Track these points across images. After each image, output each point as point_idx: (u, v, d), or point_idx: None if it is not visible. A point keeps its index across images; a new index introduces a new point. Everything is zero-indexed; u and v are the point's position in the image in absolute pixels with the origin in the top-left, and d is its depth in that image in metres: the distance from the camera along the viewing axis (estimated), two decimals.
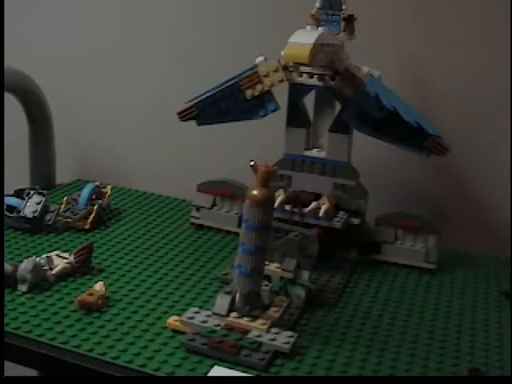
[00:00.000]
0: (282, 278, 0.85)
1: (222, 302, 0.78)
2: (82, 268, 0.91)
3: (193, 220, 1.11)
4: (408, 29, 1.10)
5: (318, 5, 0.95)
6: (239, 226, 0.86)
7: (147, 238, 1.06)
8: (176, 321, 0.78)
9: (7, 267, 0.85)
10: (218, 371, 0.71)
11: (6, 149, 1.36)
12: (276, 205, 0.89)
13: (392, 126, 0.88)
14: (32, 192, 1.04)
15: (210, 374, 0.70)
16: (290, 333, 0.76)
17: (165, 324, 0.79)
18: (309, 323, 0.83)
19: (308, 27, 0.91)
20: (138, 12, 1.28)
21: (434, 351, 0.79)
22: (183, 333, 0.77)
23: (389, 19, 1.11)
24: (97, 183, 1.12)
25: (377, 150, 1.04)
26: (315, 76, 0.94)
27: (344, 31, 0.95)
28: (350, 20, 0.94)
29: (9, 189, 1.06)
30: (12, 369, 0.84)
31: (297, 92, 0.96)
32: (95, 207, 1.07)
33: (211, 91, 0.96)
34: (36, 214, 1.02)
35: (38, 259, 0.87)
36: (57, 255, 0.91)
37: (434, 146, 0.87)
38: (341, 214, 0.95)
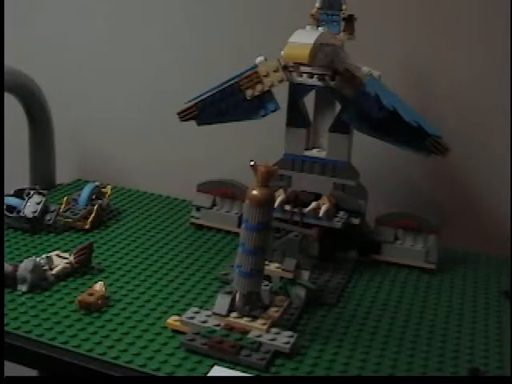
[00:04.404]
0: (282, 277, 0.85)
1: (222, 302, 0.78)
2: (82, 268, 0.91)
3: (193, 220, 1.11)
4: (408, 29, 1.10)
5: (317, 5, 0.95)
6: (239, 226, 0.86)
7: (147, 238, 1.06)
8: (176, 321, 0.78)
9: (7, 267, 0.85)
10: (218, 371, 0.71)
11: (6, 149, 1.36)
12: (276, 205, 0.89)
13: (392, 125, 0.88)
14: (32, 192, 1.04)
15: (209, 374, 0.70)
16: (290, 333, 0.76)
17: (165, 324, 0.79)
18: (309, 323, 0.83)
19: (308, 27, 0.91)
20: (138, 12, 1.28)
21: (434, 351, 0.79)
22: (183, 333, 0.77)
23: (389, 19, 1.11)
24: (97, 183, 1.12)
25: (377, 149, 1.04)
26: (315, 76, 0.94)
27: (344, 31, 0.95)
28: (350, 20, 0.94)
29: (9, 189, 1.06)
30: (12, 369, 0.84)
31: (297, 92, 0.96)
32: (95, 207, 1.07)
33: (211, 91, 0.96)
34: (36, 214, 1.02)
35: (38, 259, 0.87)
36: (57, 255, 0.91)
37: (434, 146, 0.87)
38: (341, 213, 0.95)
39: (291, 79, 0.95)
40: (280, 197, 0.94)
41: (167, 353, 0.74)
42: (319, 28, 0.92)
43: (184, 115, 0.99)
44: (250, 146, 1.19)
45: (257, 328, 0.76)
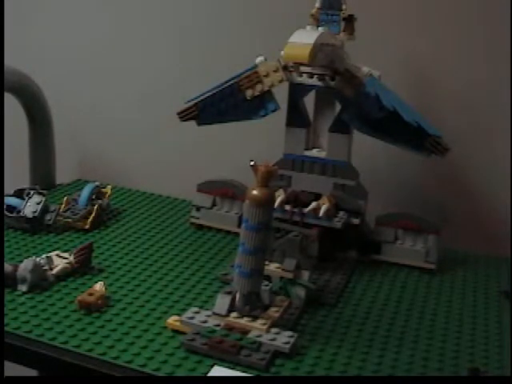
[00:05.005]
0: (282, 277, 0.85)
1: (222, 302, 0.78)
2: (82, 268, 0.91)
3: (193, 220, 1.11)
4: (408, 29, 1.10)
5: (317, 5, 0.95)
6: (239, 226, 0.86)
7: (147, 238, 1.06)
8: (176, 321, 0.78)
9: (7, 267, 0.85)
10: (218, 371, 0.71)
11: (6, 149, 1.36)
12: (276, 205, 0.89)
13: (392, 126, 0.88)
14: (32, 192, 1.04)
15: (209, 374, 0.70)
16: (290, 333, 0.76)
17: (165, 324, 0.79)
18: (309, 323, 0.83)
19: (308, 27, 0.91)
20: (138, 13, 1.28)
21: (434, 351, 0.79)
22: (183, 333, 0.77)
23: (389, 19, 1.11)
24: (97, 183, 1.12)
25: (377, 149, 1.04)
26: (315, 76, 0.94)
27: (344, 31, 0.95)
28: (350, 20, 0.94)
29: (9, 189, 1.06)
30: (12, 369, 0.84)
31: (297, 92, 0.96)
32: (95, 207, 1.07)
33: (211, 91, 0.96)
34: (36, 214, 1.02)
35: (38, 259, 0.87)
36: (57, 255, 0.91)
37: (434, 146, 0.87)
38: (341, 213, 0.95)
39: (291, 79, 0.95)
40: (280, 197, 0.94)
41: (167, 353, 0.74)
42: (319, 28, 0.92)
43: (184, 115, 0.99)
44: (250, 146, 1.19)
45: (257, 328, 0.76)
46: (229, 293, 0.78)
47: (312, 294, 0.86)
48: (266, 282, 0.80)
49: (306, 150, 0.98)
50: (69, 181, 1.31)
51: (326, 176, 0.97)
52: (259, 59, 0.94)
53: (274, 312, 0.79)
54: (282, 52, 0.84)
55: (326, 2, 0.94)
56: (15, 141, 1.30)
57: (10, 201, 1.03)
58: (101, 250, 1.00)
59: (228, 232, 1.09)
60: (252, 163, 0.75)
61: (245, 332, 0.75)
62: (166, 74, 1.28)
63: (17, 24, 1.37)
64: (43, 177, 1.26)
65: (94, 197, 1.10)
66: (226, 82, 0.95)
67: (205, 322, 0.77)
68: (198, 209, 1.10)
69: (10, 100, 1.20)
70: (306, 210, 0.93)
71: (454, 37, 1.08)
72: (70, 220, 1.06)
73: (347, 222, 0.95)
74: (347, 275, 0.96)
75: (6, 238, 1.00)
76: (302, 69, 0.93)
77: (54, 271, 0.88)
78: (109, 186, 1.15)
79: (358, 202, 0.97)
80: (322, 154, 0.98)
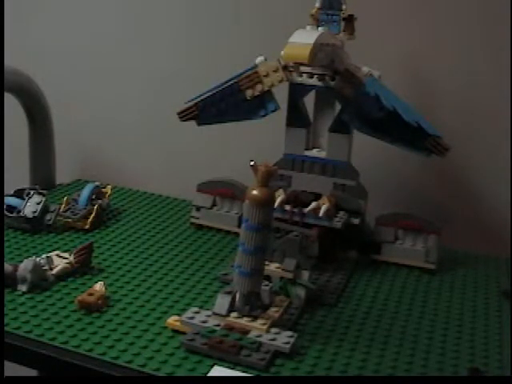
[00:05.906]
0: (282, 277, 0.85)
1: (222, 302, 0.78)
2: (82, 268, 0.91)
3: (193, 220, 1.11)
4: (408, 29, 1.10)
5: (317, 5, 0.95)
6: (239, 226, 0.86)
7: (147, 237, 1.06)
8: (176, 321, 0.78)
9: (7, 267, 0.85)
10: (218, 371, 0.71)
11: (6, 149, 1.36)
12: (276, 205, 0.89)
13: (392, 126, 0.88)
14: (32, 192, 1.04)
15: (209, 374, 0.70)
16: (290, 333, 0.76)
17: (165, 324, 0.79)
18: (309, 323, 0.83)
19: (308, 27, 0.91)
20: (139, 12, 1.28)
21: (434, 351, 0.79)
22: (183, 333, 0.77)
23: (388, 19, 1.11)
24: (97, 183, 1.12)
25: (377, 149, 1.04)
26: (315, 76, 0.94)
27: (344, 31, 0.95)
28: (350, 20, 0.94)
29: (9, 189, 1.06)
30: (12, 369, 0.84)
31: (297, 92, 0.96)
32: (95, 207, 1.07)
33: (211, 91, 0.96)
34: (36, 214, 1.02)
35: (38, 259, 0.87)
36: (57, 255, 0.91)
37: (433, 146, 0.87)
38: (341, 213, 0.95)
39: (291, 79, 0.95)
40: (280, 197, 0.93)
41: (167, 353, 0.74)
42: (319, 28, 0.92)
43: (184, 115, 0.99)
44: (249, 146, 1.19)
45: (257, 328, 0.76)
46: (229, 293, 0.78)
47: (312, 294, 0.86)
48: (266, 282, 0.80)
49: (306, 149, 0.98)
50: (69, 181, 1.31)
51: (325, 176, 0.97)
52: (259, 59, 0.94)
53: (274, 312, 0.79)
54: (282, 52, 0.84)
55: (326, 1, 0.94)
56: (15, 141, 1.30)
57: (9, 201, 1.03)
58: (101, 250, 1.00)
59: (228, 232, 1.09)
60: (252, 163, 0.75)
61: (245, 332, 0.75)
62: (166, 74, 1.28)
63: (17, 24, 1.37)
64: (43, 177, 1.26)
65: (94, 197, 1.10)
66: (226, 82, 0.95)
67: (205, 322, 0.77)
68: (198, 209, 1.10)
69: (9, 100, 1.20)
70: (306, 210, 0.93)
71: (454, 37, 1.08)
72: (69, 220, 1.06)
73: (347, 222, 0.95)
74: (347, 275, 0.96)
75: (6, 238, 1.00)
76: (302, 69, 0.93)
77: (54, 271, 0.88)
78: (109, 186, 1.15)
79: (358, 201, 0.97)
80: (322, 154, 0.98)
